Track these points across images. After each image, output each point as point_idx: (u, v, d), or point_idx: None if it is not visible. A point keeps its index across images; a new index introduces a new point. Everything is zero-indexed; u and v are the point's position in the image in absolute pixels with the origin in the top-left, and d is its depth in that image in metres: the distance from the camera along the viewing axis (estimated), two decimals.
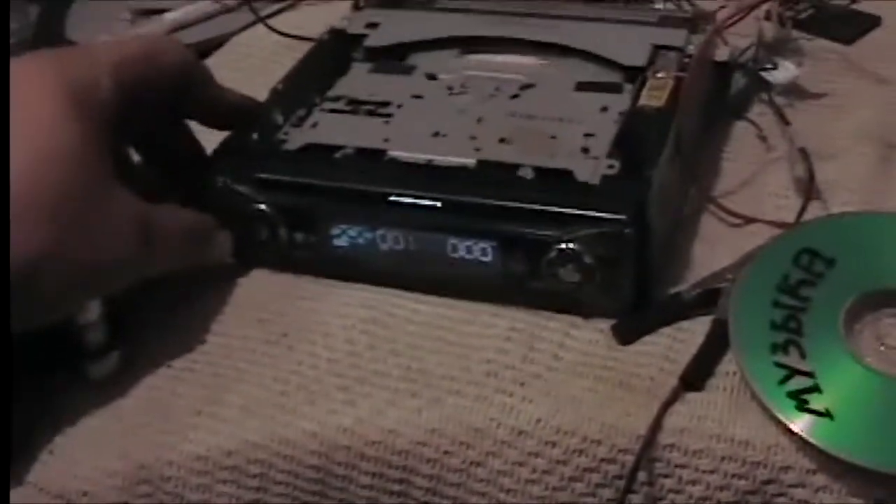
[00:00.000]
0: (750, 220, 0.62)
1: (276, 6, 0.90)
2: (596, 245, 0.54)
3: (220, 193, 0.60)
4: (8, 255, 0.48)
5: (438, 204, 0.56)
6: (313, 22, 0.83)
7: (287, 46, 0.83)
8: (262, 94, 0.67)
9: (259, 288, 0.62)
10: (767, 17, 0.74)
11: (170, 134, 0.64)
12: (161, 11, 0.95)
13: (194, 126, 0.64)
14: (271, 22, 0.86)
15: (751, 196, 0.64)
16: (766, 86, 0.71)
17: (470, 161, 0.58)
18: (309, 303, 0.60)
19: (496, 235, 0.56)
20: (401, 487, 0.53)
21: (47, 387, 0.58)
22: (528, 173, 0.57)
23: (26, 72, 0.54)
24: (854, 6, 0.80)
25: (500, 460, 0.52)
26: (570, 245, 0.54)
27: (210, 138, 0.64)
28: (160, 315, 0.61)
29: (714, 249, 0.61)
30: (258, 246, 0.61)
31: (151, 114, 0.60)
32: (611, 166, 0.57)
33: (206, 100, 0.62)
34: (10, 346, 0.50)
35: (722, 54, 0.71)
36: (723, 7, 0.75)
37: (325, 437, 0.53)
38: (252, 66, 0.84)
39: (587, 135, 0.59)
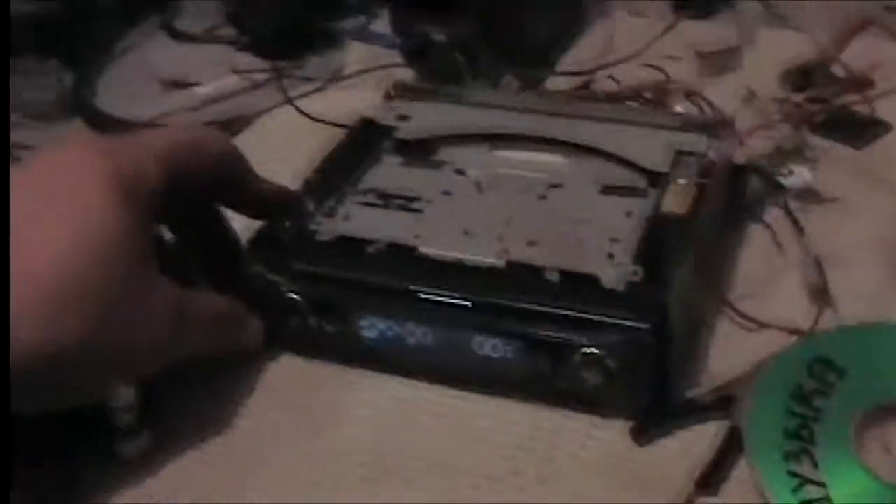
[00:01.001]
0: (764, 326, 0.64)
1: (306, 87, 0.92)
2: (619, 351, 0.56)
3: (254, 281, 0.62)
4: (8, 272, 0.49)
5: (467, 303, 0.58)
6: (341, 106, 0.85)
7: (314, 129, 0.86)
8: (285, 174, 0.69)
9: (288, 374, 0.64)
10: (784, 119, 0.77)
11: (204, 218, 0.66)
12: (191, 84, 0.97)
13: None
14: (299, 103, 0.88)
15: (765, 301, 0.66)
16: (782, 190, 0.73)
17: (499, 262, 0.60)
18: (337, 391, 0.62)
19: (522, 336, 0.58)
20: None
21: (79, 465, 0.59)
22: (554, 277, 0.59)
23: (77, 158, 0.55)
24: (870, 112, 0.82)
25: None
26: (594, 349, 0.56)
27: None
28: (191, 398, 0.62)
29: (729, 353, 0.62)
30: (289, 333, 0.63)
31: (190, 198, 0.61)
32: (635, 273, 0.58)
33: (246, 191, 0.64)
34: (8, 357, 0.50)
35: (739, 157, 0.73)
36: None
37: None
38: (278, 146, 0.86)
39: (612, 240, 0.61)
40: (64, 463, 0.59)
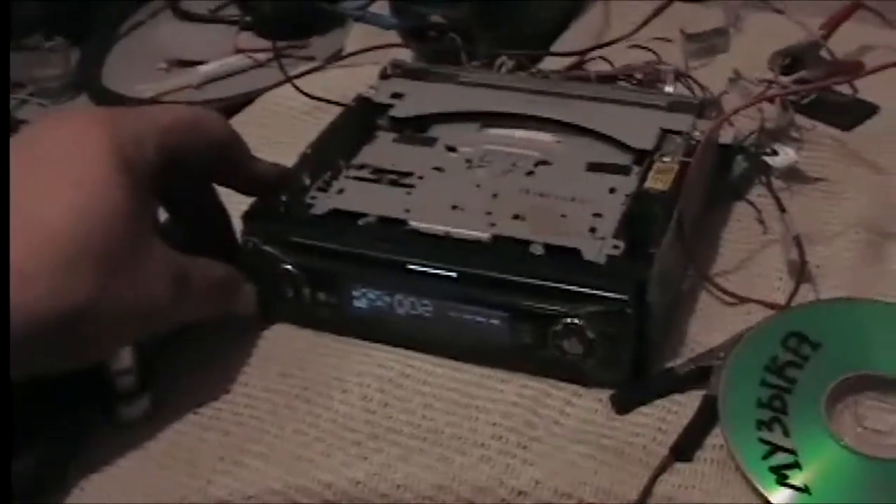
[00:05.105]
0: (744, 301, 0.66)
1: (305, 67, 0.93)
2: (599, 322, 0.58)
3: (249, 252, 0.64)
4: (8, 264, 0.51)
5: (454, 275, 0.60)
6: (339, 85, 0.87)
7: (313, 107, 0.87)
8: (284, 151, 0.71)
9: (282, 343, 0.66)
10: (771, 101, 0.78)
11: (199, 196, 0.67)
12: (195, 63, 1.00)
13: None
14: (299, 82, 0.90)
15: (746, 276, 0.68)
16: (767, 169, 0.75)
17: (485, 235, 0.62)
18: (329, 360, 0.64)
19: (507, 307, 0.60)
20: None
21: (81, 427, 0.61)
22: (538, 250, 0.61)
23: (80, 127, 0.57)
24: (856, 95, 0.83)
25: None
26: (575, 320, 0.58)
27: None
28: (189, 365, 0.64)
29: (709, 326, 0.64)
30: (283, 303, 0.65)
31: (186, 177, 0.63)
32: (616, 246, 0.60)
33: (241, 170, 0.65)
34: (9, 351, 0.51)
35: (726, 137, 0.75)
36: (725, 93, 0.80)
37: (339, 488, 0.57)
38: (278, 124, 0.88)
39: (595, 215, 0.63)
40: (65, 427, 0.61)
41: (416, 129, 0.74)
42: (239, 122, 0.85)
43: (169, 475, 0.59)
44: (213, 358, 0.65)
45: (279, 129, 0.86)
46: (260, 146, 0.68)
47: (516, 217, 0.64)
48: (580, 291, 0.58)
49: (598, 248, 0.60)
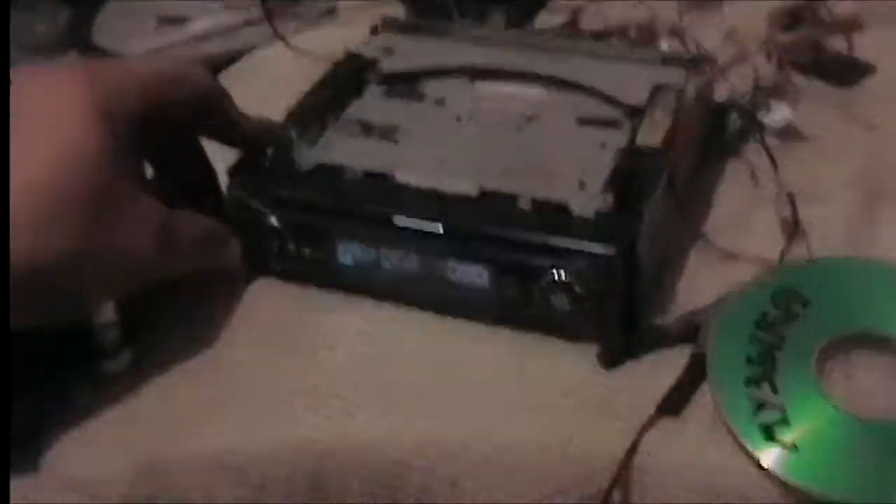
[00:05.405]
0: (735, 258, 0.65)
1: (299, 24, 0.93)
2: (587, 276, 0.57)
3: (234, 207, 0.64)
4: (8, 254, 0.51)
5: (440, 229, 0.60)
6: (332, 42, 0.86)
7: (305, 64, 0.86)
8: (274, 107, 0.70)
9: (267, 298, 0.65)
10: (767, 58, 0.77)
11: (184, 150, 0.67)
12: (186, 20, 0.98)
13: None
14: (294, 39, 0.89)
15: (738, 234, 0.67)
16: (761, 127, 0.74)
17: (472, 189, 0.61)
18: (314, 315, 0.63)
19: (493, 262, 0.59)
20: (392, 494, 0.56)
21: (63, 381, 0.61)
22: (526, 204, 0.60)
23: (61, 80, 0.56)
24: (851, 53, 0.83)
25: (486, 474, 0.55)
26: (563, 275, 0.57)
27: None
28: (173, 319, 0.64)
29: (699, 283, 0.64)
30: (269, 258, 0.64)
31: (170, 130, 0.63)
32: (605, 201, 0.59)
33: (227, 125, 0.65)
34: (10, 345, 0.52)
35: (720, 94, 0.74)
36: (721, 50, 0.79)
37: (323, 443, 0.57)
38: (268, 80, 0.87)
39: (585, 170, 0.62)
40: (50, 380, 0.60)
41: (405, 84, 0.73)
42: (228, 79, 0.85)
43: (152, 430, 0.58)
44: (198, 312, 0.64)
45: (269, 86, 0.85)
46: (249, 102, 0.67)
47: (505, 172, 0.63)
48: (568, 246, 0.57)
49: (587, 203, 0.59)
